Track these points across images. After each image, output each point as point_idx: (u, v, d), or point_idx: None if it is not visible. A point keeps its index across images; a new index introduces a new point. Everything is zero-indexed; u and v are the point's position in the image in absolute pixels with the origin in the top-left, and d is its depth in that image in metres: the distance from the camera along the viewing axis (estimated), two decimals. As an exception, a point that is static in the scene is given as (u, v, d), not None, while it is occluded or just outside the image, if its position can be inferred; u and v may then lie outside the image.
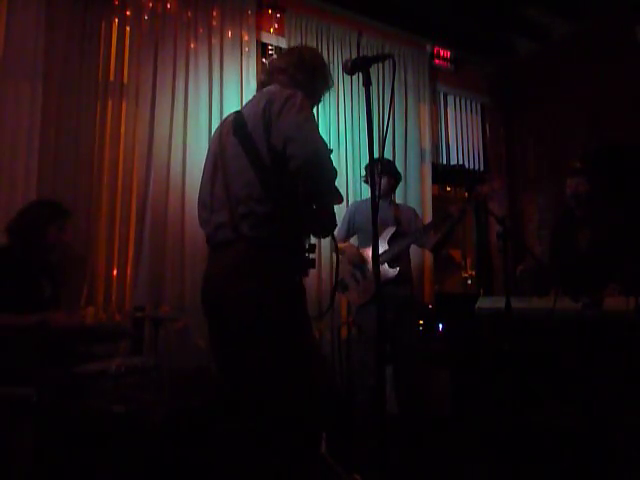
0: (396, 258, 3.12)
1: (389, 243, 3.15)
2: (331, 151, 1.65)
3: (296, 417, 1.61)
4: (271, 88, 1.70)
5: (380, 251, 3.09)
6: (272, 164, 1.60)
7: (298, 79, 1.80)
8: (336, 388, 3.55)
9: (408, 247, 3.22)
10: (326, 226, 1.73)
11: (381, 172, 3.07)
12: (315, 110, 3.96)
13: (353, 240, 3.49)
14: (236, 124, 1.69)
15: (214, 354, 1.75)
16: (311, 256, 1.73)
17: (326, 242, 3.77)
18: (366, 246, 3.18)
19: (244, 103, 1.90)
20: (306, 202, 1.64)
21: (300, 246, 1.68)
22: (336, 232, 3.37)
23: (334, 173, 1.63)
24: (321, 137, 1.60)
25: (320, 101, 1.97)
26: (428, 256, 4.39)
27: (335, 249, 1.93)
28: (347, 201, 4.05)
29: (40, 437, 1.96)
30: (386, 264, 3.08)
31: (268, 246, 1.60)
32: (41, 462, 1.95)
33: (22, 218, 2.50)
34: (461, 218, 3.09)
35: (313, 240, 1.76)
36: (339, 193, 1.74)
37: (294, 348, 1.62)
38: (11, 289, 2.36)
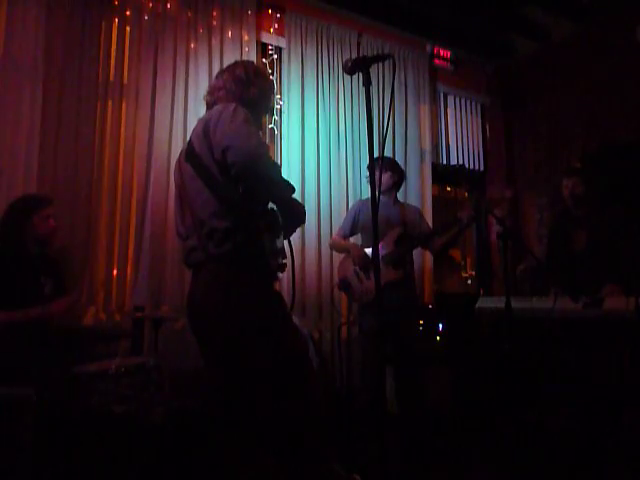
0: (401, 260, 3.10)
1: (395, 244, 3.13)
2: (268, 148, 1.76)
3: (280, 416, 1.65)
4: (210, 110, 1.81)
5: (385, 252, 3.08)
6: (223, 179, 1.68)
7: (235, 92, 1.87)
8: (335, 388, 3.56)
9: (413, 249, 3.21)
10: (295, 217, 1.83)
11: (382, 168, 3.05)
12: (315, 110, 4.03)
13: (356, 239, 3.49)
14: (187, 151, 1.78)
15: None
16: (280, 260, 1.80)
17: (324, 243, 3.77)
18: (370, 246, 3.16)
19: None
20: (264, 204, 1.73)
21: (266, 253, 1.72)
22: (339, 228, 3.41)
23: (276, 168, 1.74)
24: (257, 137, 1.67)
25: (267, 109, 2.03)
26: (428, 256, 4.39)
27: (291, 252, 1.87)
28: (347, 201, 4.07)
29: (40, 437, 1.95)
30: (390, 266, 3.06)
31: (234, 262, 1.67)
32: (41, 462, 1.95)
33: (5, 217, 2.52)
34: (469, 225, 3.08)
35: (280, 245, 1.82)
36: (290, 185, 1.82)
37: (273, 355, 1.66)
38: (10, 287, 2.37)
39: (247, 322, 1.65)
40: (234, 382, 1.69)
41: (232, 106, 1.69)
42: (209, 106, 1.92)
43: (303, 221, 1.88)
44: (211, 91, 1.94)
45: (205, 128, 1.69)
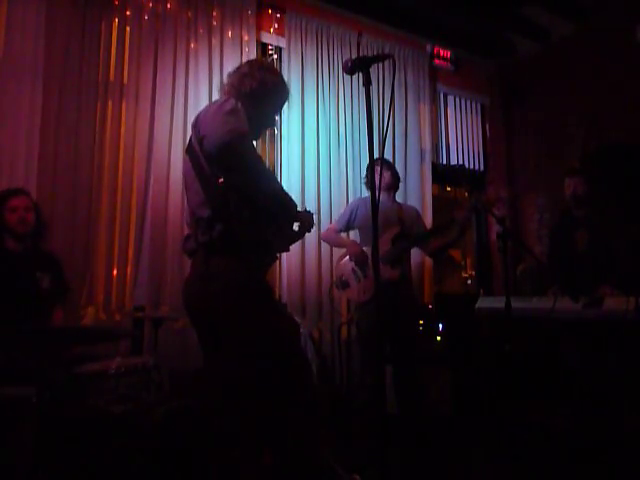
0: (398, 259, 3.10)
1: (392, 243, 3.13)
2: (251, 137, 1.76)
3: (267, 401, 1.67)
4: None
5: (383, 251, 3.08)
6: (209, 169, 1.72)
7: (235, 85, 1.89)
8: (335, 388, 3.56)
9: (409, 249, 3.22)
10: (283, 209, 1.83)
11: (385, 166, 3.09)
12: (315, 110, 4.03)
13: (354, 236, 3.49)
14: (188, 143, 1.84)
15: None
16: (267, 252, 1.84)
17: (325, 243, 3.77)
18: (368, 244, 3.17)
19: None
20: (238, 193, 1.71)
21: (242, 243, 1.73)
22: (334, 222, 3.42)
23: (254, 157, 1.74)
24: (231, 126, 1.62)
25: (274, 103, 1.98)
26: (428, 256, 4.39)
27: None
28: (347, 201, 4.06)
29: (40, 437, 1.95)
30: (388, 265, 3.07)
31: (217, 251, 1.70)
32: (41, 462, 1.95)
33: None
34: (466, 226, 3.08)
35: (269, 237, 1.83)
36: (275, 178, 1.86)
37: (262, 345, 1.68)
38: (6, 284, 2.39)
39: (229, 310, 1.69)
40: (219, 365, 1.74)
41: (224, 98, 1.74)
42: None
43: (293, 215, 1.88)
44: (223, 90, 1.96)
45: (196, 120, 1.74)
